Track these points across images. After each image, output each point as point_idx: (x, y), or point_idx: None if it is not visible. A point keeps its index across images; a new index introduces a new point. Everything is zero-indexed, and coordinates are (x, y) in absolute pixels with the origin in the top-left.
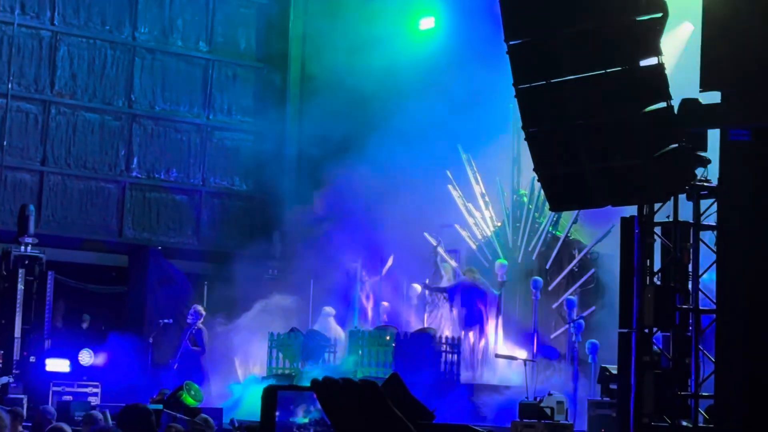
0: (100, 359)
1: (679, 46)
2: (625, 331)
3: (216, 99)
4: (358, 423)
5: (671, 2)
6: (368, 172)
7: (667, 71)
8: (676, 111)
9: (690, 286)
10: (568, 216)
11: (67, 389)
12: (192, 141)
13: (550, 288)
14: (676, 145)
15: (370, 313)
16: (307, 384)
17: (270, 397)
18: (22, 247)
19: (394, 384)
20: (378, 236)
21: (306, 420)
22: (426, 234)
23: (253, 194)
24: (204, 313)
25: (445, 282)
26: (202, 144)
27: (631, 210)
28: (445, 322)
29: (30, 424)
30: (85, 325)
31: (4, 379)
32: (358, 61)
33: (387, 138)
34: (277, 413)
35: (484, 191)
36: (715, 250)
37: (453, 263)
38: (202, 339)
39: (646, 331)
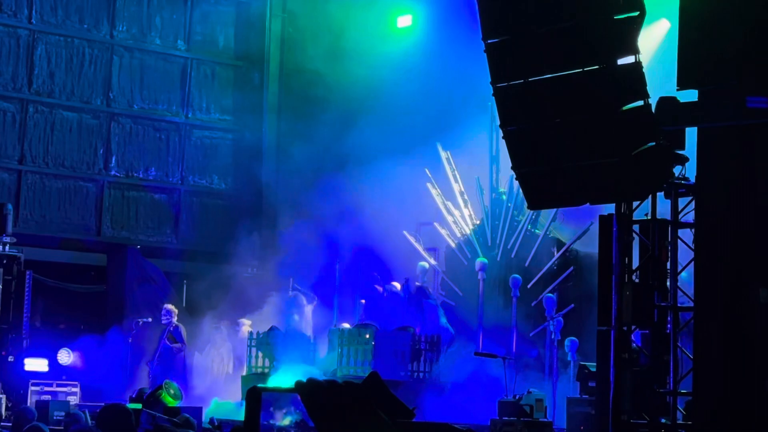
0: (77, 360)
1: (655, 43)
2: (604, 328)
3: (194, 97)
4: (341, 424)
5: None
6: (345, 169)
7: (644, 68)
8: (653, 109)
9: (668, 283)
10: (547, 214)
11: (46, 389)
12: (171, 139)
13: (529, 286)
14: (654, 143)
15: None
16: (288, 382)
17: (254, 398)
18: (0, 247)
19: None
20: (356, 234)
21: (287, 422)
22: (405, 232)
23: (231, 193)
24: (176, 310)
25: None
26: (181, 142)
27: (610, 208)
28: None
29: (9, 424)
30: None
31: None
32: (336, 59)
33: (365, 135)
34: None
35: (462, 189)
36: (693, 247)
37: (433, 261)
38: (180, 335)
39: (625, 328)
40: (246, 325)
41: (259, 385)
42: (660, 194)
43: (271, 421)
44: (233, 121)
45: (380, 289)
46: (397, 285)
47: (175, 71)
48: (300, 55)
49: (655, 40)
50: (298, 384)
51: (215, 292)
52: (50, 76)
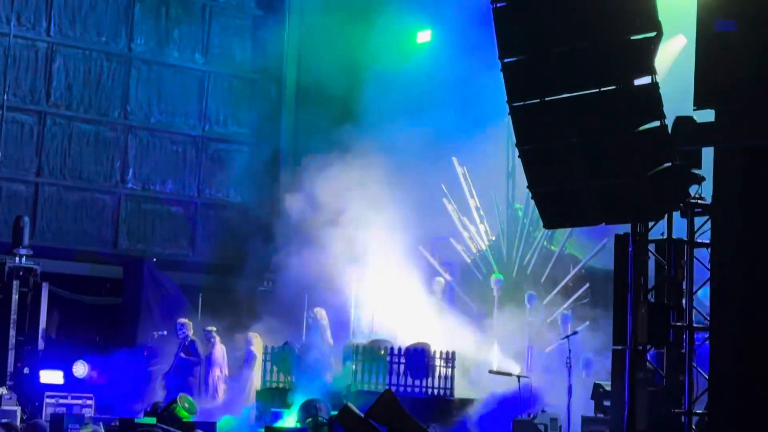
0: (93, 373)
1: (671, 58)
2: (619, 347)
3: (211, 110)
4: None
5: (664, 14)
6: (362, 183)
7: (660, 85)
8: (670, 129)
9: (684, 303)
10: (563, 230)
11: (61, 401)
12: (187, 152)
13: (544, 302)
14: (670, 163)
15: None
16: (302, 395)
17: None
18: (17, 259)
19: (387, 400)
20: (372, 249)
21: None
22: (421, 248)
23: (248, 206)
24: (190, 324)
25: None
26: (198, 155)
27: (626, 227)
28: None
29: None
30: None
31: None
32: (353, 74)
33: (382, 150)
34: None
35: (479, 205)
36: (709, 267)
37: (448, 277)
38: (196, 349)
39: (640, 347)
40: (255, 339)
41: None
42: (676, 214)
43: None
44: (250, 134)
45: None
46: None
47: (193, 84)
48: (317, 68)
49: (671, 56)
50: (310, 425)
51: (230, 306)
52: (68, 89)
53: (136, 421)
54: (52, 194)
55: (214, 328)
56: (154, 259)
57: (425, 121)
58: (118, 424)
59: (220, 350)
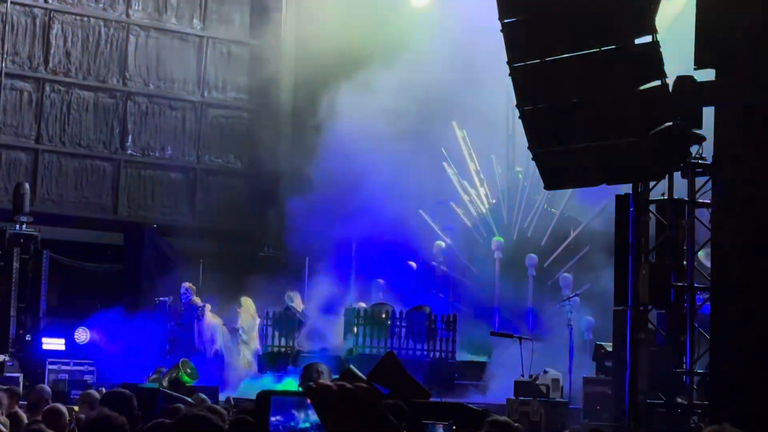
0: (95, 338)
1: (672, 17)
2: (620, 308)
3: (210, 76)
4: (351, 428)
5: None
6: (362, 148)
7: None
8: (670, 89)
9: (685, 263)
10: (563, 193)
11: (63, 367)
12: (187, 118)
13: (545, 265)
14: (671, 122)
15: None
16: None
17: (264, 401)
18: (17, 226)
19: (389, 363)
20: (373, 214)
21: (307, 424)
22: (421, 212)
23: (248, 172)
24: (194, 287)
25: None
26: (197, 122)
27: (626, 187)
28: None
29: (26, 403)
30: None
31: (0, 358)
32: (352, 38)
33: (381, 114)
34: (278, 417)
35: (479, 168)
36: (710, 227)
37: (448, 240)
38: (198, 312)
39: (641, 308)
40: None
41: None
42: (677, 174)
43: (292, 423)
44: (249, 100)
45: (414, 265)
46: (414, 264)
47: (191, 50)
48: (315, 33)
49: (672, 15)
50: (308, 389)
51: (231, 272)
52: (66, 56)
53: (139, 386)
54: (51, 161)
55: (200, 301)
56: (155, 226)
57: (424, 84)
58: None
59: (210, 323)
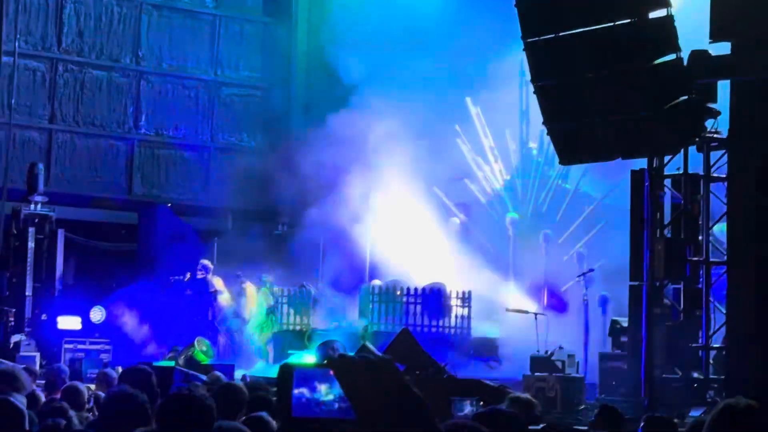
0: (112, 317)
1: None
2: (636, 283)
3: (223, 55)
4: (375, 400)
5: None
6: (376, 126)
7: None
8: (685, 63)
9: (700, 238)
10: (578, 168)
11: (79, 346)
12: (200, 97)
13: (560, 241)
14: (686, 97)
15: None
16: (319, 337)
17: (287, 374)
18: (32, 206)
19: (405, 339)
20: (387, 191)
21: (331, 396)
22: (435, 188)
23: (261, 150)
24: (211, 265)
25: None
26: (210, 100)
27: (641, 162)
28: None
29: (43, 382)
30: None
31: (17, 337)
32: (364, 14)
33: (394, 91)
34: (301, 389)
35: (493, 145)
36: (725, 201)
37: (463, 217)
38: (212, 289)
39: (657, 283)
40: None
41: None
42: (692, 148)
43: (315, 395)
44: (262, 78)
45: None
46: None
47: (204, 29)
48: (328, 11)
49: None
50: (331, 361)
51: (245, 250)
52: (79, 35)
53: (155, 364)
54: (65, 141)
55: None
56: (169, 205)
57: (438, 61)
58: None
59: (223, 305)
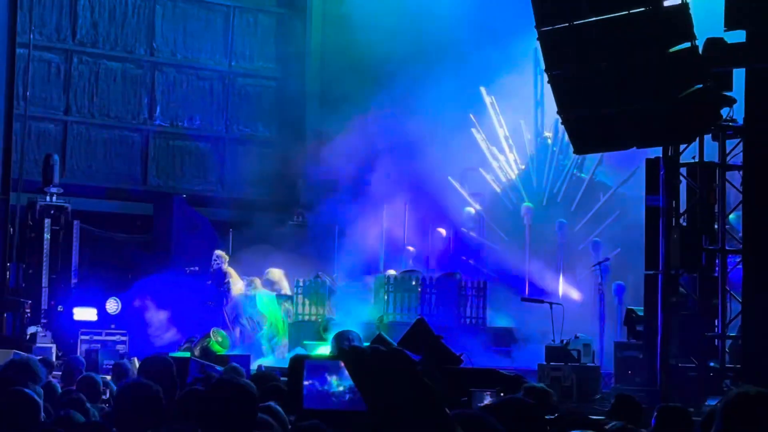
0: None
1: None
2: (651, 272)
3: (237, 45)
4: (386, 392)
5: None
6: (390, 116)
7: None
8: (700, 51)
9: (716, 226)
10: (593, 157)
11: (95, 338)
12: (214, 88)
13: (575, 230)
14: (701, 85)
15: None
16: (334, 328)
17: (297, 366)
18: (48, 197)
19: (420, 329)
20: (402, 182)
21: (341, 387)
22: (450, 178)
23: (276, 140)
24: (226, 257)
25: None
26: (225, 91)
27: (657, 151)
28: None
29: (60, 373)
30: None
31: (33, 329)
32: (378, 5)
33: (408, 81)
34: (312, 381)
35: (507, 134)
36: (741, 190)
37: (478, 207)
38: (225, 281)
39: (673, 272)
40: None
41: (303, 352)
42: (707, 137)
43: (325, 386)
44: (276, 69)
45: (443, 232)
46: (443, 231)
47: (218, 20)
48: (342, 1)
49: None
50: (342, 352)
51: (261, 240)
52: (94, 27)
53: (171, 355)
54: (80, 132)
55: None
56: (184, 196)
57: (452, 51)
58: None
59: (235, 297)
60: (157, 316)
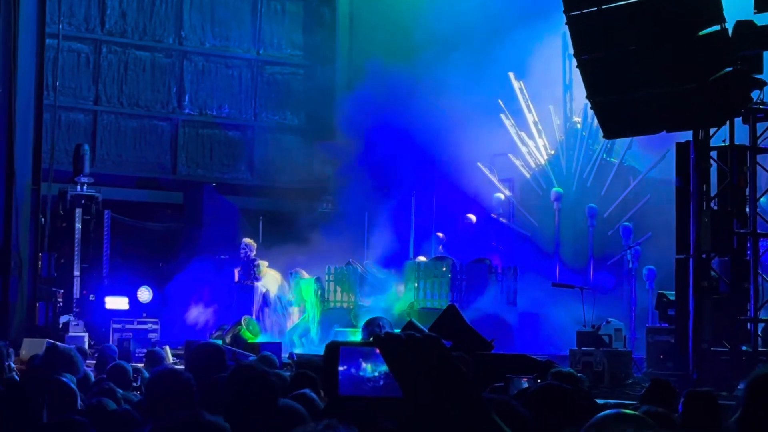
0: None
1: None
2: (683, 256)
3: (266, 33)
4: (421, 378)
5: None
6: (419, 102)
7: None
8: (730, 33)
9: (747, 210)
10: (622, 142)
11: (127, 326)
12: (243, 76)
13: (605, 215)
14: (731, 68)
15: None
16: (365, 314)
17: (333, 352)
18: (78, 187)
19: (451, 315)
20: (431, 168)
21: (376, 373)
22: (479, 164)
23: (305, 128)
24: (254, 244)
25: None
26: (253, 79)
27: (687, 135)
28: None
29: (93, 362)
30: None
31: (65, 318)
32: None
33: (436, 67)
34: (345, 367)
35: (536, 119)
36: None
37: (508, 192)
38: (256, 270)
39: (704, 256)
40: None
41: (338, 339)
42: (738, 120)
43: (360, 372)
44: (305, 57)
45: (473, 218)
46: (473, 217)
47: (246, 8)
48: None
49: None
50: (377, 338)
51: (290, 228)
52: (122, 16)
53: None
54: (110, 122)
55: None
56: (214, 184)
57: (480, 37)
58: (184, 347)
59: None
60: (193, 307)
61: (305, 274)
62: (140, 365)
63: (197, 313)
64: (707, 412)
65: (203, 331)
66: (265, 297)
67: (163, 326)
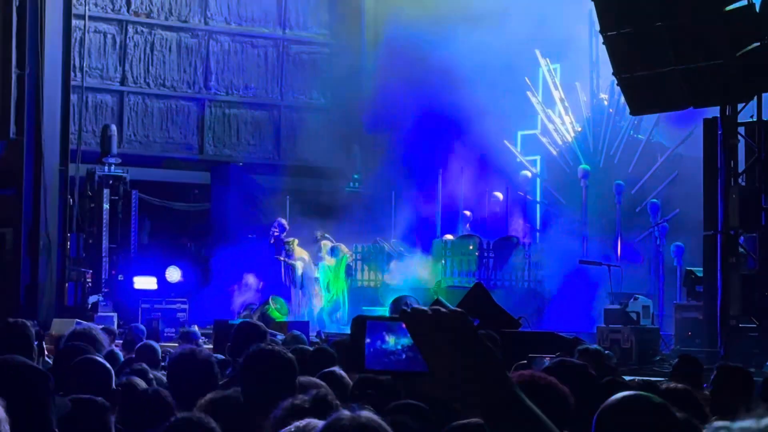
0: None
1: None
2: (711, 233)
3: (291, 12)
4: (447, 354)
5: None
6: (445, 80)
7: None
8: (757, 9)
9: None
10: (649, 118)
11: (156, 306)
12: (269, 56)
13: (633, 192)
14: (758, 43)
15: None
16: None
17: (359, 327)
18: (106, 167)
19: (478, 293)
20: (457, 146)
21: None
22: (506, 141)
23: (332, 107)
24: (287, 225)
25: None
26: (279, 58)
27: (714, 110)
28: None
29: (121, 341)
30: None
31: (94, 298)
32: None
33: (464, 45)
34: (369, 340)
35: (563, 96)
36: None
37: (534, 170)
38: (287, 249)
39: (732, 232)
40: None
41: (365, 313)
42: (765, 95)
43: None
44: (330, 35)
45: (500, 195)
46: (500, 195)
47: None
48: None
49: None
50: (404, 313)
51: (317, 207)
52: None
53: (230, 323)
54: (137, 103)
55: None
56: (241, 164)
57: (506, 13)
58: (213, 326)
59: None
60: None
61: (345, 249)
62: (169, 344)
63: (252, 281)
64: (740, 386)
65: (231, 311)
66: (294, 275)
67: (191, 307)
